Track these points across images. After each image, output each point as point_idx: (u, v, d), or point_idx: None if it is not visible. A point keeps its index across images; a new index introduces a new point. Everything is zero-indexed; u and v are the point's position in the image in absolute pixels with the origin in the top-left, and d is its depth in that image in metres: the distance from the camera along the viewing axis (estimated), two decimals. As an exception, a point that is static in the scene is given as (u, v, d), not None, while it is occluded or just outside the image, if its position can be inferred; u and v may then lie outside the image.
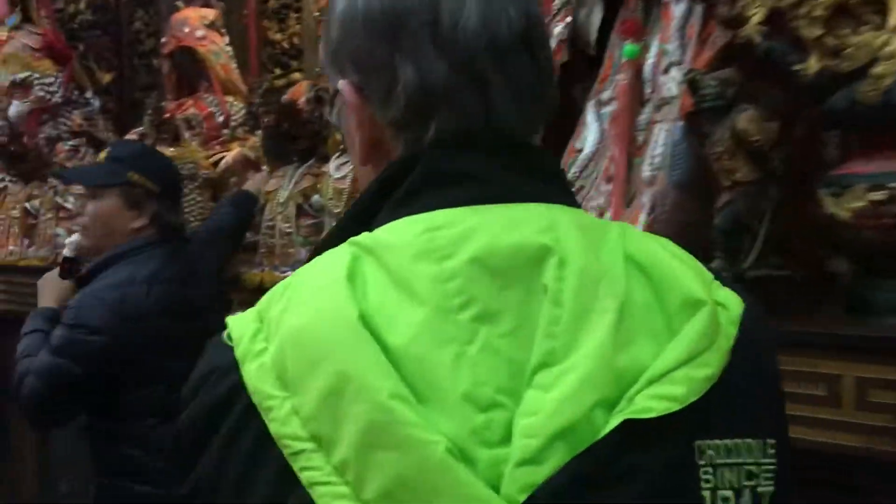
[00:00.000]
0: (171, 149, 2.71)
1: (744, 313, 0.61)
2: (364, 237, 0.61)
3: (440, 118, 0.64)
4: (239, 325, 0.60)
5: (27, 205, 2.60)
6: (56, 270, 1.93)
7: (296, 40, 4.29)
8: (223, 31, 3.35)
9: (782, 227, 1.15)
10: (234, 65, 3.28)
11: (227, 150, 2.95)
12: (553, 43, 1.42)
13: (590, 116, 1.40)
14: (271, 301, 0.60)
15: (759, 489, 0.58)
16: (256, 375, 0.56)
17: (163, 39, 3.30)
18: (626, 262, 0.60)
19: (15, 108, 2.95)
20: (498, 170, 0.64)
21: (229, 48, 3.30)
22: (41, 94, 3.00)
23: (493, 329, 0.57)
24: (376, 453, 0.52)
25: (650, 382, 0.55)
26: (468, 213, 0.61)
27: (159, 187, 1.85)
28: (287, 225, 1.95)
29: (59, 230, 2.54)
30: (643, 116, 1.34)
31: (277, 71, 3.50)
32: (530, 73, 0.65)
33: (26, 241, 2.61)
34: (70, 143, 2.66)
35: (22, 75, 2.96)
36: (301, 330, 0.57)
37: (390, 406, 0.53)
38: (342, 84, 0.67)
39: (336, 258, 0.60)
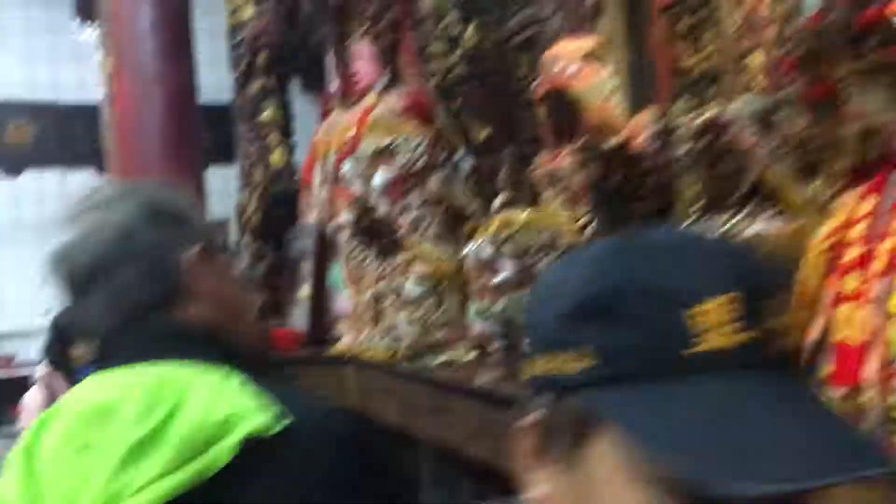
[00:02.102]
0: (525, 212, 2.22)
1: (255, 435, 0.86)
2: None
3: None
4: None
5: (377, 287, 2.33)
6: None
7: (711, 62, 3.61)
8: (604, 62, 2.82)
9: None
10: (616, 102, 2.71)
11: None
12: None
13: None
14: None
15: None
16: None
17: (535, 82, 2.87)
18: (172, 405, 0.90)
19: (380, 177, 2.76)
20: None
21: (613, 82, 2.74)
22: (405, 159, 2.78)
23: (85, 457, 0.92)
24: None
25: (131, 494, 0.85)
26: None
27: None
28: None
29: (400, 318, 2.20)
30: None
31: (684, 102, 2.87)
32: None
33: (375, 329, 2.33)
34: (415, 213, 2.34)
35: (386, 141, 2.77)
36: None
37: None
38: None
39: None
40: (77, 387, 1.02)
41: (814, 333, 0.96)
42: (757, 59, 2.73)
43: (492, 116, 3.41)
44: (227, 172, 6.17)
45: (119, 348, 1.01)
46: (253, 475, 0.87)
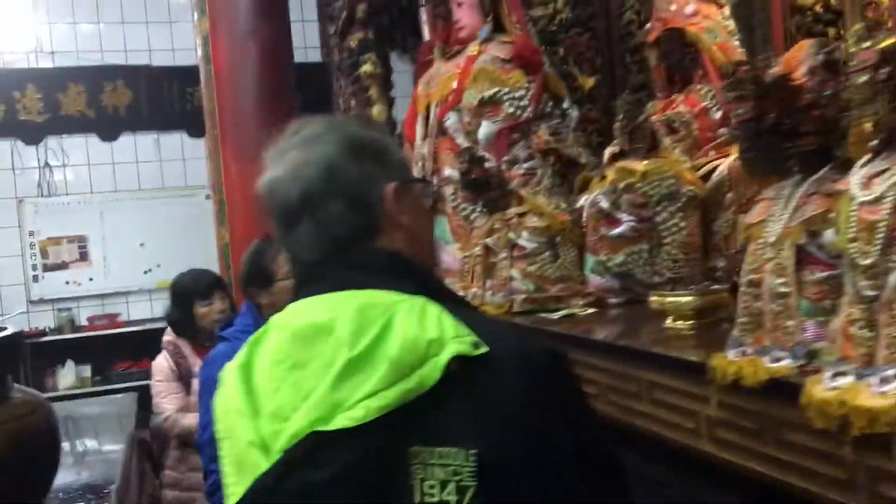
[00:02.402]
0: (645, 161, 2.12)
1: (458, 359, 0.92)
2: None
3: None
4: None
5: (488, 241, 2.27)
6: None
7: (833, 2, 3.42)
8: (722, 1, 2.66)
9: None
10: (736, 43, 2.57)
11: (724, 156, 2.26)
12: None
13: None
14: None
15: (462, 483, 0.90)
16: None
17: (647, 26, 2.74)
18: (380, 327, 0.97)
19: (485, 128, 2.70)
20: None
21: (730, 22, 2.59)
22: (511, 110, 2.71)
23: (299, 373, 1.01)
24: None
25: (343, 409, 0.94)
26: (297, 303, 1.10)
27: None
28: (781, 280, 1.21)
29: (514, 272, 2.14)
30: None
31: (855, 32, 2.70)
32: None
33: (488, 283, 2.27)
34: (525, 165, 2.26)
35: (490, 92, 2.69)
36: None
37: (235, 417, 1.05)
38: None
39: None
40: (286, 309, 1.09)
41: None
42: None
43: (598, 63, 3.30)
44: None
45: (324, 276, 1.07)
46: (457, 396, 0.93)
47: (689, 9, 2.58)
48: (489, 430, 0.92)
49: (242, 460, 1.02)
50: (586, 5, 3.13)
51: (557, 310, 2.13)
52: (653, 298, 1.73)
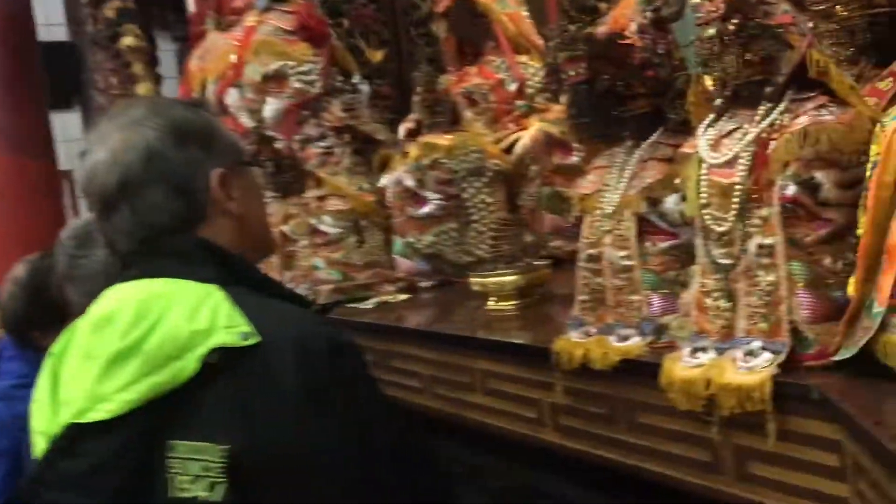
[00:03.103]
0: (448, 136, 2.00)
1: (223, 351, 0.92)
2: None
3: None
4: None
5: (285, 227, 2.05)
6: None
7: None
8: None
9: None
10: (525, 13, 2.52)
11: (523, 129, 2.20)
12: None
13: None
14: None
15: (213, 479, 0.90)
16: None
17: (435, -5, 2.62)
18: (155, 318, 0.96)
19: (271, 106, 2.45)
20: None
21: (518, -9, 2.54)
22: (298, 85, 2.47)
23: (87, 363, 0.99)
24: None
25: (101, 401, 0.94)
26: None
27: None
28: (623, 253, 1.13)
29: (318, 261, 1.95)
30: None
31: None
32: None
33: (288, 275, 2.06)
34: (322, 143, 2.06)
35: (275, 66, 2.45)
36: None
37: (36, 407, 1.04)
38: None
39: None
40: (99, 296, 1.06)
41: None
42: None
43: (386, 36, 3.15)
44: (68, 118, 5.57)
45: (137, 264, 1.04)
46: (219, 389, 0.92)
47: (478, -22, 2.50)
48: (251, 425, 0.91)
49: (36, 451, 1.02)
50: (370, -26, 2.97)
51: (367, 298, 1.97)
52: (473, 280, 1.61)
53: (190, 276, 0.99)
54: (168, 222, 1.03)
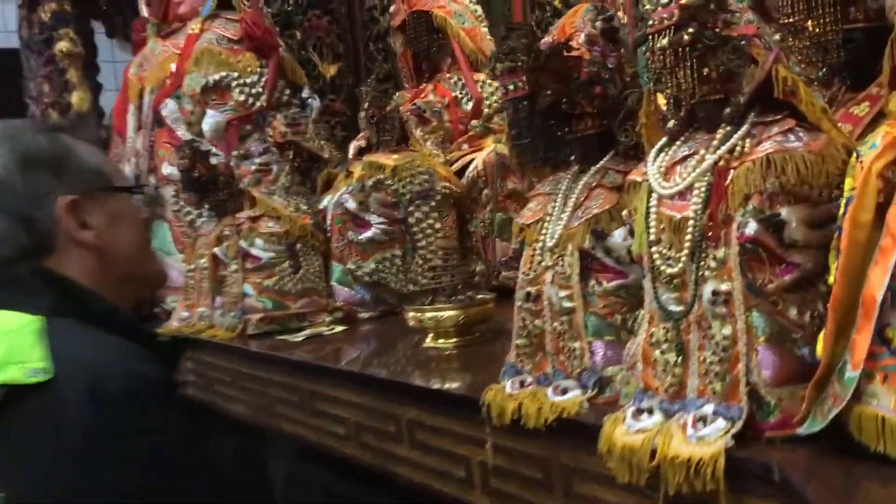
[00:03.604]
0: (395, 155, 1.86)
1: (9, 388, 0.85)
2: None
3: None
4: None
5: (217, 250, 1.89)
6: None
7: (572, -4, 3.38)
8: (470, -16, 2.49)
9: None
10: (485, 29, 2.40)
11: (478, 150, 2.07)
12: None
13: None
14: None
15: None
16: None
17: (391, 9, 2.50)
18: None
19: (211, 119, 2.31)
20: None
21: (478, 7, 2.42)
22: (241, 98, 2.35)
23: None
24: None
25: None
26: None
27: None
28: (565, 293, 0.99)
29: (248, 287, 1.80)
30: None
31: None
32: None
33: (218, 301, 1.90)
34: (257, 160, 1.91)
35: (217, 76, 2.31)
36: None
37: None
38: None
39: None
40: None
41: (878, 283, 0.68)
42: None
43: (341, 50, 3.02)
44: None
45: None
46: (2, 424, 0.87)
47: (436, -9, 2.38)
48: (28, 472, 0.85)
49: None
50: (326, -16, 2.84)
51: (301, 329, 1.81)
52: (409, 314, 1.46)
53: (19, 307, 0.95)
54: (8, 252, 0.98)
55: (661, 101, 0.91)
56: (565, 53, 1.01)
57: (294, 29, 2.77)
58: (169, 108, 2.37)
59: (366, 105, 2.02)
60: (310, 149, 2.16)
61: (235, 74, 2.35)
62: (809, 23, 0.95)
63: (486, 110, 2.20)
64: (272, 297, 1.83)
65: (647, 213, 0.87)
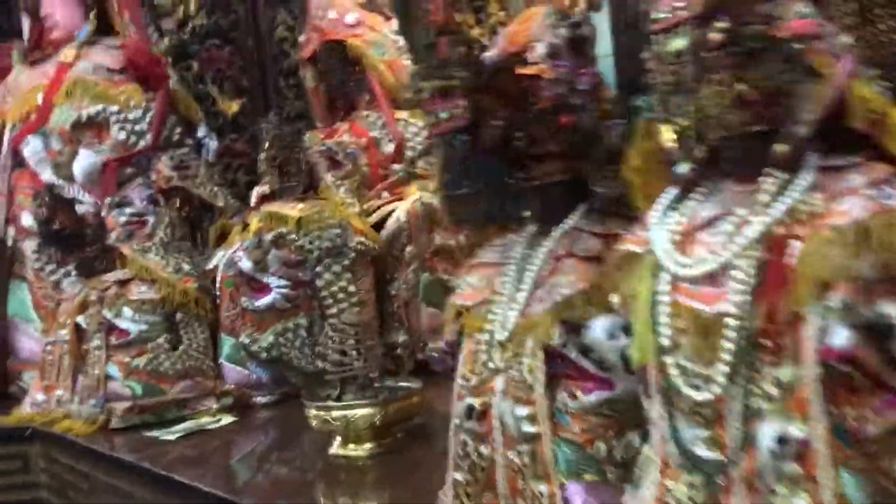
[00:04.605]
0: (300, 205, 1.55)
1: None
2: None
3: None
4: None
5: (80, 319, 1.53)
6: None
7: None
8: (389, 12, 2.21)
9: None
10: (408, 61, 2.11)
11: (400, 199, 1.77)
12: None
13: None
14: None
15: None
16: None
17: (301, 38, 2.20)
18: None
19: (83, 160, 1.95)
20: None
21: (399, 38, 2.14)
22: (121, 136, 2.00)
23: None
24: None
25: None
26: None
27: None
28: (525, 411, 0.67)
29: (112, 368, 1.43)
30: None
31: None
32: None
33: (80, 382, 1.53)
34: (129, 210, 1.56)
35: (92, 110, 1.96)
36: None
37: None
38: None
39: None
40: None
41: None
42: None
43: (245, 84, 2.69)
44: None
45: None
46: None
47: (351, 18, 2.08)
48: None
49: None
50: (227, 12, 2.51)
51: (180, 420, 1.45)
52: (312, 413, 1.13)
53: None
54: None
55: (666, 134, 0.62)
56: (518, 70, 0.71)
57: (190, 59, 2.43)
58: (32, 146, 2.00)
59: (267, 145, 1.70)
60: (201, 196, 1.81)
61: (115, 109, 1.99)
62: (875, 12, 0.67)
63: (409, 153, 1.91)
64: (143, 381, 1.48)
65: (655, 303, 0.57)
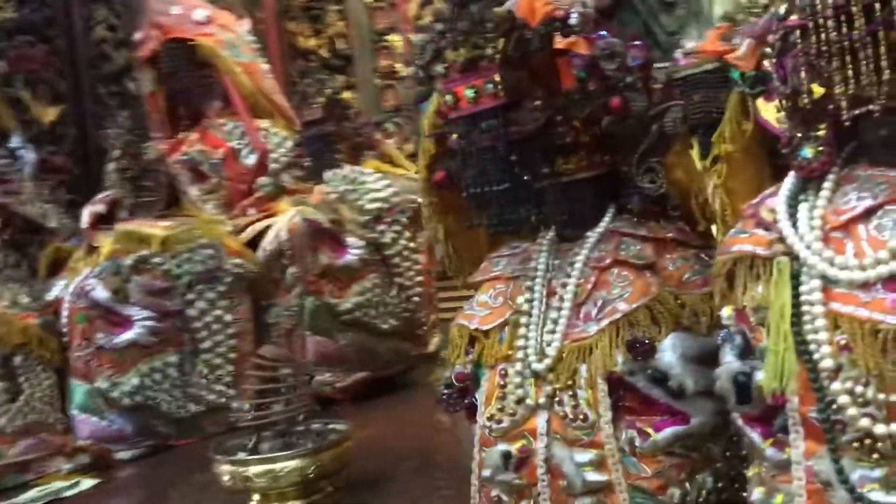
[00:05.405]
0: (164, 222, 1.33)
1: None
2: None
3: None
4: None
5: None
6: None
7: (340, 45, 3.09)
8: (241, 13, 2.03)
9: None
10: (264, 65, 1.93)
11: (269, 215, 1.58)
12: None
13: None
14: None
15: None
16: None
17: (137, 35, 1.94)
18: None
19: None
20: None
21: (253, 38, 1.96)
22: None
23: None
24: None
25: None
26: None
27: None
28: (588, 457, 0.54)
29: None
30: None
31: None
32: None
33: None
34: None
35: None
36: None
37: None
38: None
39: None
40: None
41: None
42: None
43: (64, 89, 2.34)
44: None
45: None
46: None
47: (200, 15, 1.86)
48: None
49: None
50: (42, 7, 2.18)
51: (23, 487, 1.18)
52: (225, 468, 0.93)
53: None
54: None
55: (771, 112, 0.52)
56: (562, 38, 0.59)
57: (-1, 58, 2.09)
58: None
59: (117, 154, 1.45)
60: (28, 216, 1.53)
61: None
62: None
63: (273, 165, 1.72)
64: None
65: (800, 314, 0.46)
